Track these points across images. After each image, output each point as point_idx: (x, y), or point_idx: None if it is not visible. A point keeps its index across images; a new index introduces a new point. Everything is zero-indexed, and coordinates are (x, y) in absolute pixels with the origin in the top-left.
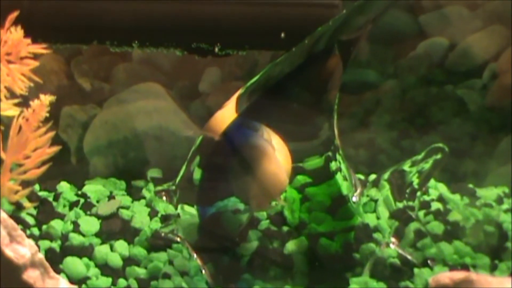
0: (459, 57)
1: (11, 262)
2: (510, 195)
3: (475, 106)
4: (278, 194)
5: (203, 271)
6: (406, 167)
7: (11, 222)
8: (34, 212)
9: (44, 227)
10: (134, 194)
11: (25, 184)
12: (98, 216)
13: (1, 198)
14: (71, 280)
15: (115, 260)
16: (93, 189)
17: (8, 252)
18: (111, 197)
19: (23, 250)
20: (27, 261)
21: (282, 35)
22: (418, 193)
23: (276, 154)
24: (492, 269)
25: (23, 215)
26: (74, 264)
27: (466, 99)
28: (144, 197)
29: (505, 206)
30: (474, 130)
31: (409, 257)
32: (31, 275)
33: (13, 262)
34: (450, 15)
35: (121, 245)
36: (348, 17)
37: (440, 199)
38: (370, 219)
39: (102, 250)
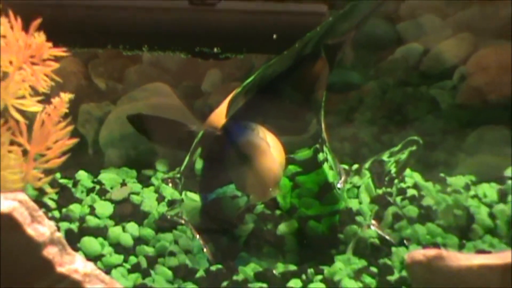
0: (432, 61)
1: (32, 240)
2: (477, 183)
3: (446, 105)
4: (274, 185)
5: (205, 250)
6: (385, 157)
7: (32, 204)
8: (55, 197)
9: (63, 210)
10: (144, 181)
11: (47, 172)
12: (111, 201)
13: (26, 184)
14: (88, 257)
15: (127, 239)
16: (108, 177)
17: (30, 230)
18: (123, 184)
19: (43, 229)
20: (46, 239)
21: (274, 36)
22: (396, 181)
23: (271, 150)
24: (460, 247)
25: (46, 199)
26: (90, 243)
27: (438, 98)
28: (152, 184)
29: (472, 192)
30: (445, 126)
31: (387, 237)
32: (50, 251)
33: (34, 239)
34: (424, 23)
35: (132, 227)
36: (333, 23)
37: (415, 186)
38: (353, 204)
39: (115, 231)
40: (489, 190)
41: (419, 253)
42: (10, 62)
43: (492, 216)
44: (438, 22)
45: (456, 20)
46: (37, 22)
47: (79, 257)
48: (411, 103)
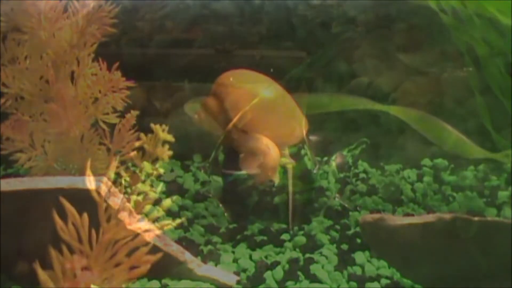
0: (374, 89)
1: (110, 207)
2: (403, 169)
3: (383, 118)
4: (271, 173)
5: (225, 214)
6: (345, 152)
7: (110, 183)
8: (128, 178)
9: (133, 187)
10: (185, 168)
11: (123, 162)
12: (164, 181)
13: (108, 170)
14: (148, 219)
15: (174, 207)
16: (162, 165)
17: (109, 201)
18: (172, 170)
19: (117, 200)
20: (119, 207)
21: (271, 70)
22: (352, 168)
23: (270, 151)
24: (394, 212)
25: (121, 180)
26: (150, 209)
27: (378, 113)
28: (191, 170)
29: (400, 175)
30: (383, 132)
31: (346, 205)
32: (122, 215)
33: (111, 207)
34: (369, 65)
35: (178, 198)
36: (310, 64)
37: (364, 171)
38: (324, 183)
39: (167, 201)
40: (411, 173)
41: (368, 216)
42: (99, 91)
43: (413, 191)
44: (378, 64)
45: (389, 63)
46: (116, 64)
47: (141, 219)
48: (362, 117)
